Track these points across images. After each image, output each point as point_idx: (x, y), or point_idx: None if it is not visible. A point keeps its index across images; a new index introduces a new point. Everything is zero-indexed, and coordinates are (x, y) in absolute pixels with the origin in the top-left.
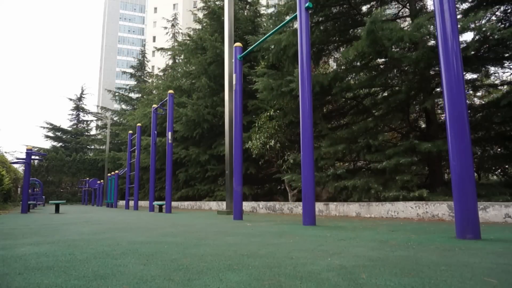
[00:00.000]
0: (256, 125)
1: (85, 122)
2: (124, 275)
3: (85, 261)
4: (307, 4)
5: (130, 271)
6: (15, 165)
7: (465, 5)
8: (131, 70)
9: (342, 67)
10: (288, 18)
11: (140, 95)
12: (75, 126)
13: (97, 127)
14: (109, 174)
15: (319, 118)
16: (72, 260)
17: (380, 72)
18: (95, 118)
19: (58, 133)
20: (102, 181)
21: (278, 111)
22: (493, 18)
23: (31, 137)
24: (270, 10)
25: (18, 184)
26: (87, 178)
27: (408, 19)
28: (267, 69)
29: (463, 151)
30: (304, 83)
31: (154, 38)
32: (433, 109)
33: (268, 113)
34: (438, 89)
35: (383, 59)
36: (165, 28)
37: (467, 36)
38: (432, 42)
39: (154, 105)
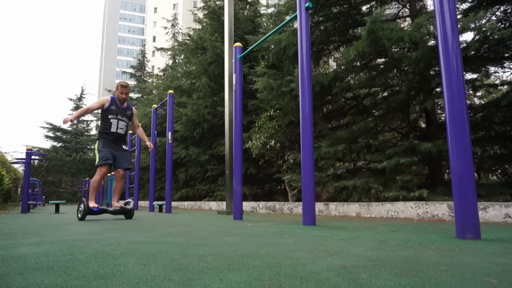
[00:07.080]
0: (256, 125)
1: (85, 122)
2: (124, 275)
3: (85, 261)
4: (307, 4)
5: (130, 271)
6: (15, 165)
7: (465, 5)
8: (131, 70)
9: (342, 67)
10: (288, 18)
11: (140, 95)
12: (75, 126)
13: (97, 127)
14: (109, 174)
15: (319, 118)
16: (72, 260)
17: (380, 72)
18: (95, 118)
19: (58, 133)
20: (102, 181)
21: (278, 111)
22: (493, 18)
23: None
24: (270, 10)
25: (18, 184)
26: (87, 178)
27: (408, 19)
28: (267, 69)
29: (463, 151)
30: (304, 83)
31: (154, 38)
32: (433, 109)
33: (268, 113)
34: (438, 89)
35: (383, 59)
36: (165, 28)
37: (467, 36)
38: (432, 42)
39: (154, 105)
